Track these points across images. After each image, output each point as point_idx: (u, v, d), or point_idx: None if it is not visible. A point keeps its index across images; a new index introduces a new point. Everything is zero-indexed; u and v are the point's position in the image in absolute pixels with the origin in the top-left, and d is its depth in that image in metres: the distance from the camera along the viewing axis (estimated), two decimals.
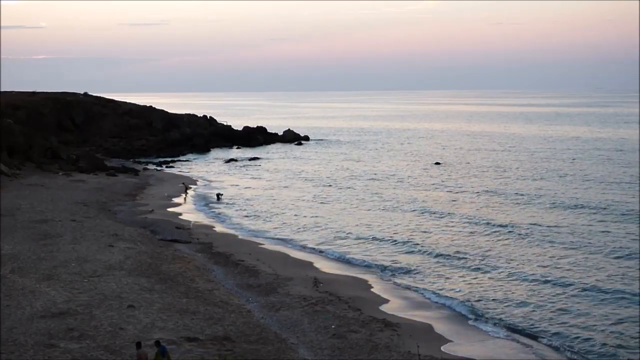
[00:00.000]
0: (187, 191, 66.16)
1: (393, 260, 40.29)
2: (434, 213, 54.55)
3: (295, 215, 55.49)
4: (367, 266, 39.36)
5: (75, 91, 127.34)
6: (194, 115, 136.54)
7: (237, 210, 58.15)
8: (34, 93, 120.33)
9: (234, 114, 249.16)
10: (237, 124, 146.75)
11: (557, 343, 27.14)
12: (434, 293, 33.99)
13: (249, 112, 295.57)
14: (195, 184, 73.94)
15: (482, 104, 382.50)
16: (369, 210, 57.06)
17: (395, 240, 45.16)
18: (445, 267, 38.62)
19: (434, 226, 49.58)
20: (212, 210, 58.10)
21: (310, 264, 39.57)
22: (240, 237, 47.02)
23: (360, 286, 35.05)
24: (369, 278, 36.81)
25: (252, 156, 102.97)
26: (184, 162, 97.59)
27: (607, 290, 33.47)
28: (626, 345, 26.83)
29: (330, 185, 72.08)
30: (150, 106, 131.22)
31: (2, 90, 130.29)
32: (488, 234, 46.35)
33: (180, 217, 53.44)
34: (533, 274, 36.54)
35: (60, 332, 25.25)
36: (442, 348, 26.44)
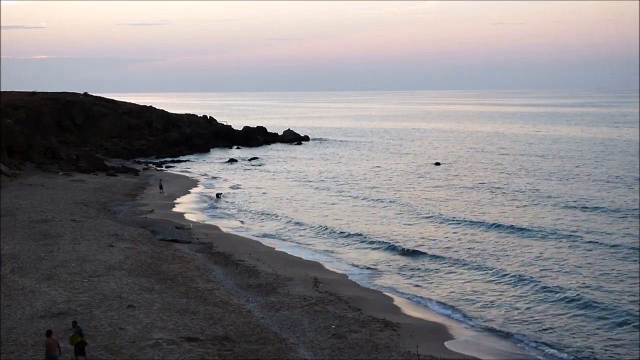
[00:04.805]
0: (162, 187, 66.96)
1: (393, 260, 40.30)
2: (435, 214, 54.52)
3: (296, 215, 55.45)
4: (367, 266, 39.35)
5: (75, 91, 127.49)
6: (194, 115, 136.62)
7: (237, 210, 58.12)
8: (34, 93, 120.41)
9: (234, 114, 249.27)
10: (237, 124, 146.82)
11: (556, 343, 27.13)
12: (435, 293, 33.98)
13: (249, 112, 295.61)
14: (196, 185, 73.94)
15: (482, 103, 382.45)
16: (369, 210, 57.04)
17: (396, 241, 45.12)
18: (446, 267, 38.58)
19: (435, 227, 49.58)
20: (212, 210, 58.09)
21: (310, 263, 39.54)
22: (240, 237, 47.00)
23: (361, 286, 35.04)
24: (369, 278, 36.80)
25: (252, 156, 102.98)
26: (184, 162, 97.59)
27: (609, 293, 33.46)
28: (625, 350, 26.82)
29: (330, 186, 72.06)
30: (150, 106, 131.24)
31: (2, 90, 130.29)
32: (490, 236, 46.33)
33: (180, 217, 53.43)
34: (535, 276, 36.50)
35: (60, 332, 25.19)
36: (441, 348, 26.42)
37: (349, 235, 46.95)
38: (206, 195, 65.78)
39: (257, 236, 47.42)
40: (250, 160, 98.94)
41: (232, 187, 71.80)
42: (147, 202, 59.77)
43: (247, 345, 25.17)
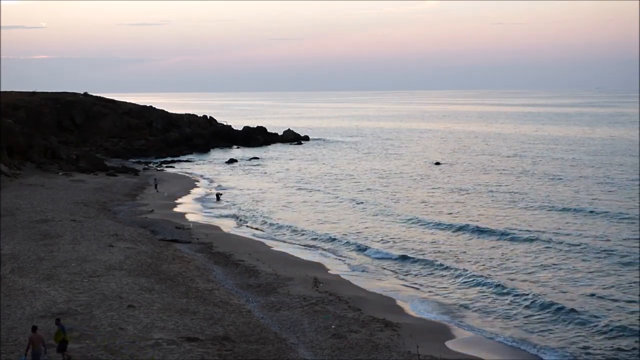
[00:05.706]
0: (157, 186, 67.89)
1: (393, 261, 40.29)
2: (435, 216, 54.51)
3: (295, 215, 55.46)
4: (367, 266, 39.34)
5: (75, 91, 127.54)
6: (194, 115, 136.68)
7: (237, 210, 58.11)
8: (34, 93, 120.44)
9: (234, 114, 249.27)
10: (237, 124, 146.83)
11: (556, 344, 27.14)
12: (435, 294, 33.99)
13: (249, 112, 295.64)
14: (196, 185, 73.95)
15: (482, 103, 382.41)
16: (369, 211, 57.03)
17: (396, 241, 45.15)
18: (446, 269, 38.52)
19: (435, 229, 49.55)
20: (212, 210, 58.09)
21: (310, 264, 39.53)
22: (240, 237, 46.99)
23: (360, 286, 35.03)
24: (369, 278, 36.80)
25: (252, 156, 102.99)
26: (184, 162, 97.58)
27: (609, 297, 33.46)
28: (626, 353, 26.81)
29: (330, 187, 72.06)
30: (150, 106, 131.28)
31: (2, 90, 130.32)
32: (490, 238, 46.29)
33: (180, 217, 53.43)
34: (537, 279, 36.51)
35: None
36: (442, 347, 26.40)
37: (349, 236, 46.93)
38: (206, 196, 65.78)
39: (257, 236, 47.41)
40: (250, 160, 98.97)
41: (232, 187, 71.77)
42: (147, 202, 59.77)
43: (247, 345, 25.17)
